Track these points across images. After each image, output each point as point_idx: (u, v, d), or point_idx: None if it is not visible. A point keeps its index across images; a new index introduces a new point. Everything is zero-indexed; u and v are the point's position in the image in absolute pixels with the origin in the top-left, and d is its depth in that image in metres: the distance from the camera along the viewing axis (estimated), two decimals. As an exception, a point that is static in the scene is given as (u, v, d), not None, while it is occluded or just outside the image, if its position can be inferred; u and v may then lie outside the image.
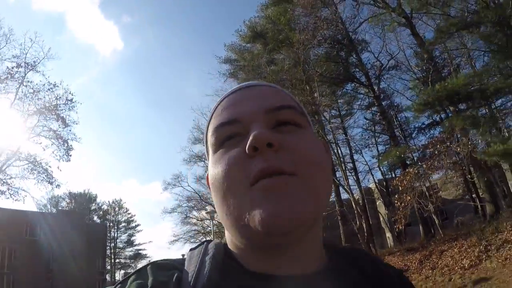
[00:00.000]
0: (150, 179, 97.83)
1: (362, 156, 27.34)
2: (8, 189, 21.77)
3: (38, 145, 22.98)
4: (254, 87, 0.62)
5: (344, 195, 22.86)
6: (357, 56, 24.14)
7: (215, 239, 0.62)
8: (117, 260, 54.09)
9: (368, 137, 27.19)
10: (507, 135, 17.51)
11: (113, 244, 53.08)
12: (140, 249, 55.10)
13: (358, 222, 19.07)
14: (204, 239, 0.66)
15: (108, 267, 50.30)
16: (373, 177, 26.97)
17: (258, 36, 25.15)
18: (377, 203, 28.75)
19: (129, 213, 55.59)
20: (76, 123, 23.80)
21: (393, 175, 25.56)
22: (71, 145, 23.12)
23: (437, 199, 16.19)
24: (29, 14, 60.22)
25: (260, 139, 0.50)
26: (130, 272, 0.56)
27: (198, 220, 32.85)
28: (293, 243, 0.53)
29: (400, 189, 15.67)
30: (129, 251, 55.42)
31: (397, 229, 17.07)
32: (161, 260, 0.58)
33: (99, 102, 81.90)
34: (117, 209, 55.28)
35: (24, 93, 22.21)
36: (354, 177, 23.93)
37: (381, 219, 28.28)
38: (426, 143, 18.63)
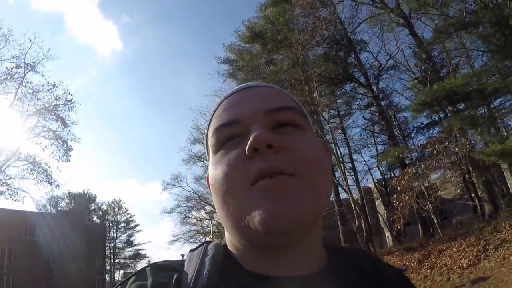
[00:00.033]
0: (150, 179, 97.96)
1: (361, 156, 27.37)
2: (8, 189, 21.84)
3: (37, 145, 23.10)
4: (254, 88, 0.63)
5: (343, 195, 22.96)
6: (356, 56, 24.17)
7: (214, 240, 0.63)
8: (116, 260, 54.09)
9: (367, 137, 27.28)
10: (505, 134, 17.54)
11: (112, 244, 53.05)
12: (140, 249, 55.20)
13: (357, 222, 19.11)
14: (204, 240, 0.68)
15: (108, 267, 50.25)
16: (372, 177, 27.01)
17: (257, 36, 25.19)
18: (376, 203, 28.75)
19: (128, 213, 55.65)
20: (76, 124, 23.89)
21: (392, 175, 25.58)
22: (70, 146, 23.20)
23: (435, 199, 16.23)
24: (28, 14, 60.33)
25: (260, 140, 0.51)
26: (129, 272, 0.57)
27: (197, 220, 32.90)
28: (293, 244, 0.53)
29: (399, 189, 15.69)
30: (128, 251, 55.48)
31: (396, 229, 17.10)
32: (161, 261, 0.59)
33: (98, 102, 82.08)
34: (116, 209, 55.31)
35: (24, 94, 22.29)
36: (353, 177, 24.02)
37: (380, 218, 28.30)
38: (425, 143, 18.68)
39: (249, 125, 0.55)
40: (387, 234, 27.62)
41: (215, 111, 0.62)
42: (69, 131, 23.33)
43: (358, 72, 24.21)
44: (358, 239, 18.73)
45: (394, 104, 26.80)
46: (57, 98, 22.71)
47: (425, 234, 18.37)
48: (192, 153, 30.21)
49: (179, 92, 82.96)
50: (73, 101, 23.05)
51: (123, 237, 55.22)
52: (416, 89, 22.20)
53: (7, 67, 21.68)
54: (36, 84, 22.61)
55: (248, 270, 0.54)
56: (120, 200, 56.07)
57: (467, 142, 15.10)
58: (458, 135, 16.21)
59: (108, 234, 50.96)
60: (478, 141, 16.69)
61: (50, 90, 22.47)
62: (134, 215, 66.23)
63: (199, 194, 30.86)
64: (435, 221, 17.26)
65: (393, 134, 22.81)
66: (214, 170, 0.56)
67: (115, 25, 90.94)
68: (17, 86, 22.04)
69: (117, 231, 54.56)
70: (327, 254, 0.61)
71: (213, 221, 20.07)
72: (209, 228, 29.10)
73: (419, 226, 19.52)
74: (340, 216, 21.56)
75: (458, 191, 22.58)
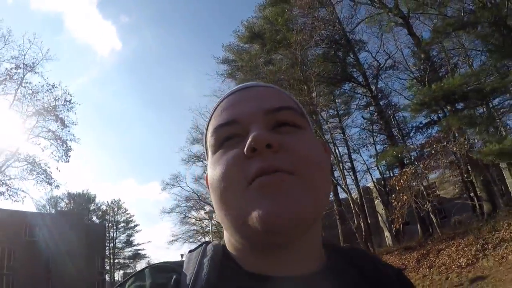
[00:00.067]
0: (149, 179, 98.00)
1: (360, 156, 27.28)
2: (7, 189, 21.87)
3: (37, 146, 23.17)
4: (253, 88, 0.62)
5: (343, 195, 22.98)
6: (354, 56, 24.19)
7: (214, 241, 0.63)
8: (116, 260, 54.10)
9: (366, 136, 27.26)
10: (504, 133, 17.58)
11: (112, 244, 53.05)
12: (139, 249, 55.23)
13: (356, 222, 19.13)
14: (203, 241, 0.68)
15: (107, 267, 50.25)
16: (371, 176, 27.01)
17: (256, 36, 25.19)
18: (376, 202, 28.80)
19: (128, 213, 55.65)
20: (75, 124, 23.93)
21: (391, 174, 25.58)
22: (70, 146, 23.21)
23: (434, 198, 16.25)
24: (27, 14, 60.38)
25: (259, 140, 0.51)
26: (129, 272, 0.58)
27: (196, 220, 32.93)
28: (292, 243, 0.53)
29: (397, 188, 15.72)
30: (128, 251, 55.49)
31: (394, 228, 17.14)
32: (160, 262, 0.59)
33: (97, 102, 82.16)
34: (116, 209, 55.32)
35: (23, 94, 22.33)
36: (352, 176, 24.04)
37: (380, 218, 28.34)
38: (423, 142, 18.70)
39: (248, 125, 0.55)
40: (387, 233, 27.66)
41: (214, 110, 0.62)
42: (69, 131, 23.40)
43: (357, 71, 24.23)
44: (357, 239, 18.77)
45: (393, 103, 26.80)
46: (57, 98, 22.78)
47: (424, 234, 18.40)
48: (191, 153, 30.26)
49: (178, 92, 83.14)
50: (72, 101, 23.13)
51: (123, 237, 55.31)
52: (415, 88, 22.24)
53: (6, 68, 21.76)
54: (35, 85, 22.71)
55: (247, 270, 0.54)
56: (119, 200, 56.16)
57: (465, 142, 15.12)
58: (457, 135, 16.24)
59: (107, 234, 51.00)
60: (476, 140, 16.74)
61: (50, 91, 22.55)
62: (133, 215, 66.24)
63: (198, 194, 30.91)
64: (434, 221, 17.30)
65: (392, 133, 22.83)
66: (213, 169, 0.56)
67: (114, 25, 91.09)
68: (16, 87, 22.10)
69: (116, 231, 54.61)
70: (326, 253, 0.61)
71: (212, 221, 20.09)
72: (208, 228, 29.13)
73: (418, 225, 19.57)
74: (339, 215, 21.59)
75: (457, 190, 22.63)
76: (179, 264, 0.57)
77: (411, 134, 26.09)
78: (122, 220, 55.29)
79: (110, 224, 53.69)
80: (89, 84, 74.55)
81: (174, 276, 0.52)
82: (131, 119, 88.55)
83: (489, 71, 17.04)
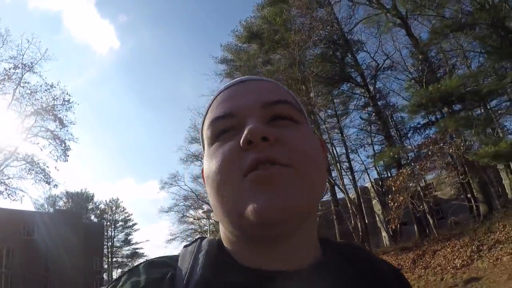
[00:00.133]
0: (147, 178, 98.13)
1: (358, 156, 27.32)
2: (6, 189, 21.93)
3: (35, 145, 23.15)
4: (250, 82, 0.62)
5: (340, 195, 22.99)
6: (352, 56, 24.20)
7: (209, 236, 0.64)
8: (114, 259, 54.19)
9: (364, 136, 27.26)
10: (501, 135, 17.62)
11: (110, 243, 53.15)
12: (137, 248, 55.29)
13: (353, 222, 19.17)
14: (198, 236, 0.69)
15: (106, 266, 50.37)
16: (369, 176, 27.05)
17: (254, 36, 25.19)
18: (373, 202, 28.86)
19: (126, 212, 55.73)
20: (73, 123, 23.94)
21: (389, 174, 25.61)
22: (68, 145, 23.25)
23: (430, 199, 16.29)
24: (25, 13, 60.33)
25: (255, 133, 0.51)
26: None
27: (195, 219, 32.88)
28: (287, 236, 0.52)
29: (394, 189, 15.76)
30: (126, 250, 55.60)
31: (390, 228, 17.18)
32: (155, 258, 0.59)
33: (95, 101, 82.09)
34: (114, 208, 55.39)
35: (21, 94, 22.37)
36: (350, 176, 24.04)
37: (377, 218, 28.40)
38: (420, 143, 18.71)
39: (244, 118, 0.55)
40: (384, 233, 27.73)
41: (211, 104, 0.62)
42: (67, 131, 23.46)
43: (355, 72, 24.21)
44: (354, 239, 18.80)
45: (391, 104, 26.76)
46: (55, 98, 22.83)
47: (420, 234, 18.45)
48: (189, 153, 30.25)
49: (176, 91, 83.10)
50: (70, 101, 23.16)
51: (121, 236, 55.43)
52: (413, 89, 22.27)
53: (5, 68, 21.80)
54: (33, 85, 22.69)
55: (242, 265, 0.54)
56: (117, 199, 56.29)
57: (462, 143, 15.14)
58: (454, 136, 16.26)
59: (105, 233, 51.10)
60: (473, 142, 16.77)
61: (48, 91, 22.59)
62: (131, 214, 66.12)
63: (196, 193, 30.87)
64: (431, 221, 17.34)
65: (390, 134, 22.84)
66: (209, 162, 0.56)
67: (112, 24, 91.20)
68: (15, 87, 22.13)
69: (114, 230, 54.70)
70: (322, 249, 0.61)
71: (210, 220, 20.11)
72: (206, 227, 29.13)
73: (415, 226, 19.62)
74: (336, 215, 21.64)
75: (453, 192, 22.67)
76: (175, 259, 0.57)
77: (409, 135, 26.12)
78: (120, 219, 55.43)
79: (108, 223, 53.82)
80: (87, 83, 74.66)
81: (169, 271, 0.53)
82: (129, 118, 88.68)
83: (487, 73, 17.09)
